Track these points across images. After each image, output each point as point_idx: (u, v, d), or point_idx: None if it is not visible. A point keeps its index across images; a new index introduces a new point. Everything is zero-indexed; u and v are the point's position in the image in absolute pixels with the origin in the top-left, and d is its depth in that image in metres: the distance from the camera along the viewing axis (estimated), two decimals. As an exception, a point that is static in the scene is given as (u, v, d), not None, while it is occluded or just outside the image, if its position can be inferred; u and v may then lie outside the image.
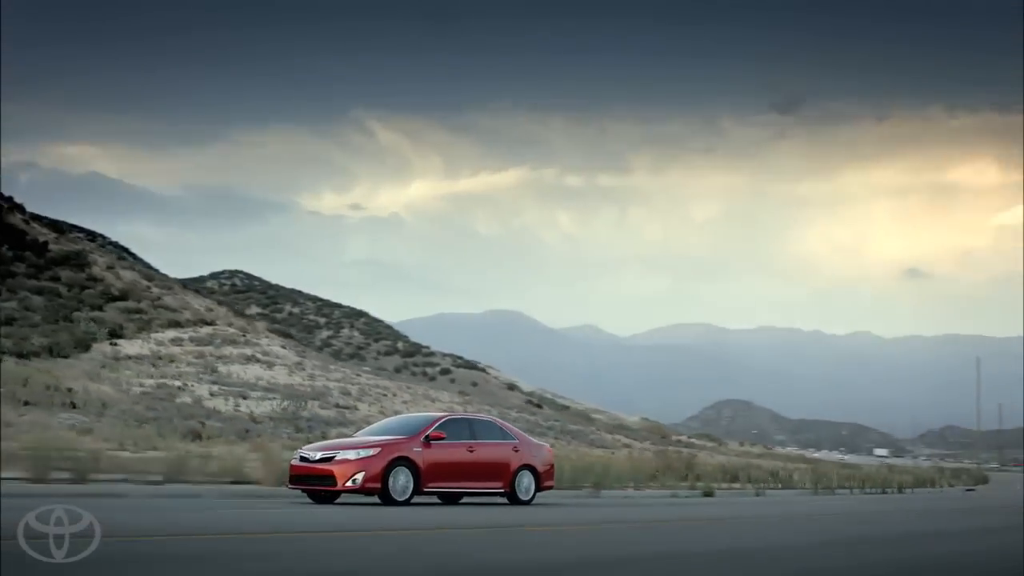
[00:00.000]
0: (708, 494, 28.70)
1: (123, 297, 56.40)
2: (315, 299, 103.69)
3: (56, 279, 54.82)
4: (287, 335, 72.97)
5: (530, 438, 19.60)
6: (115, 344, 48.40)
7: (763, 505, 24.69)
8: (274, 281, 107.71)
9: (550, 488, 18.87)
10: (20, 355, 40.89)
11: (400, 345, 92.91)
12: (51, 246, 58.77)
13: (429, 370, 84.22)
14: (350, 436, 20.89)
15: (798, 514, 20.44)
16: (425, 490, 16.22)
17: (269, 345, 58.18)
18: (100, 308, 53.25)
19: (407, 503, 15.78)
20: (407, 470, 15.92)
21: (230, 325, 60.54)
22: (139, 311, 55.17)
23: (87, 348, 46.32)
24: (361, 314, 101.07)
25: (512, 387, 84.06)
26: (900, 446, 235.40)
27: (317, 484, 15.96)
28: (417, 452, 16.17)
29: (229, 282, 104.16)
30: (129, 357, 46.66)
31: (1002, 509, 25.05)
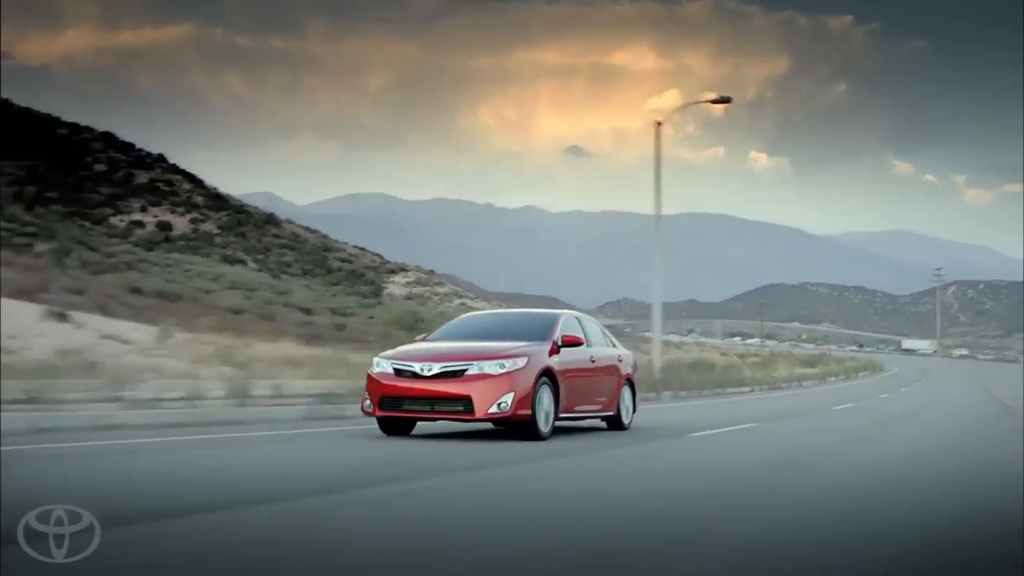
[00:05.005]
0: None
1: None
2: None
3: None
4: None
5: (619, 343, 15.08)
6: None
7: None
8: None
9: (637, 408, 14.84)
10: None
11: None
12: None
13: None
14: (422, 342, 12.95)
15: None
16: (561, 416, 11.93)
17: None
18: None
19: (548, 437, 11.48)
20: (549, 389, 11.55)
21: None
22: None
23: None
24: None
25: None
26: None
27: (431, 410, 11.23)
28: (556, 363, 11.74)
29: None
30: None
31: None
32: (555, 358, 11.72)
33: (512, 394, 10.94)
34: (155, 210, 77.28)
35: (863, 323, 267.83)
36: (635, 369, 14.55)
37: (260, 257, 75.62)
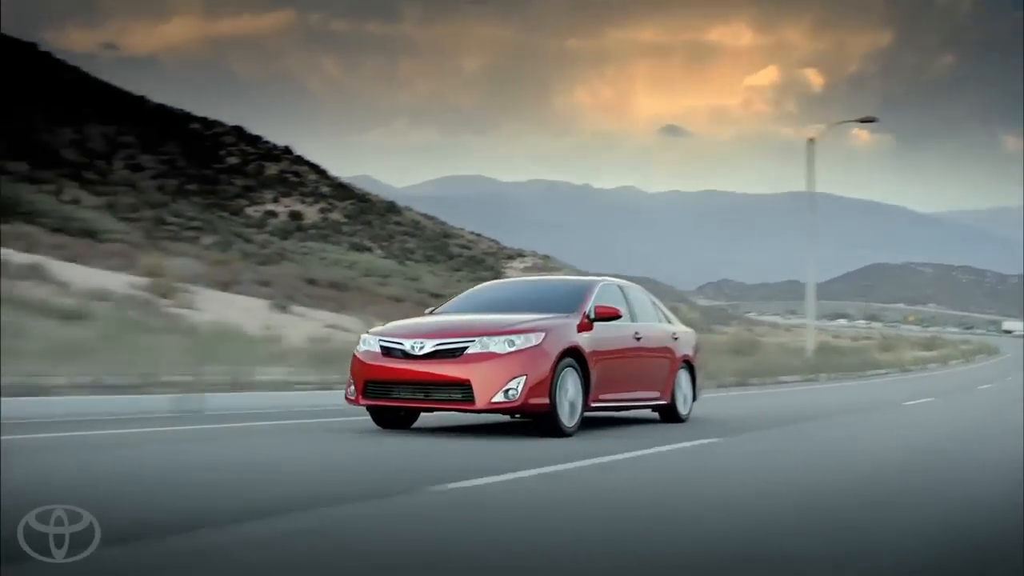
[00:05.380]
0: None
1: None
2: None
3: None
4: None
5: (675, 318, 12.45)
6: None
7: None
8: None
9: (698, 396, 12.50)
10: None
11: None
12: None
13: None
14: (428, 315, 10.49)
15: None
16: (593, 406, 9.60)
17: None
18: None
19: (574, 433, 9.17)
20: (575, 372, 9.24)
21: None
22: None
23: None
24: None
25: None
26: (686, 298, 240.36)
27: (424, 399, 8.89)
28: (586, 341, 9.52)
29: None
30: None
31: None
32: (585, 335, 9.40)
33: (523, 378, 8.58)
34: (286, 200, 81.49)
35: (970, 304, 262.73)
36: (696, 350, 12.11)
37: (384, 244, 79.24)
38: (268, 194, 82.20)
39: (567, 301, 9.89)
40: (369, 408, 9.25)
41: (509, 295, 10.81)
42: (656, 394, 10.98)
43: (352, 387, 9.14)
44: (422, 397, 8.78)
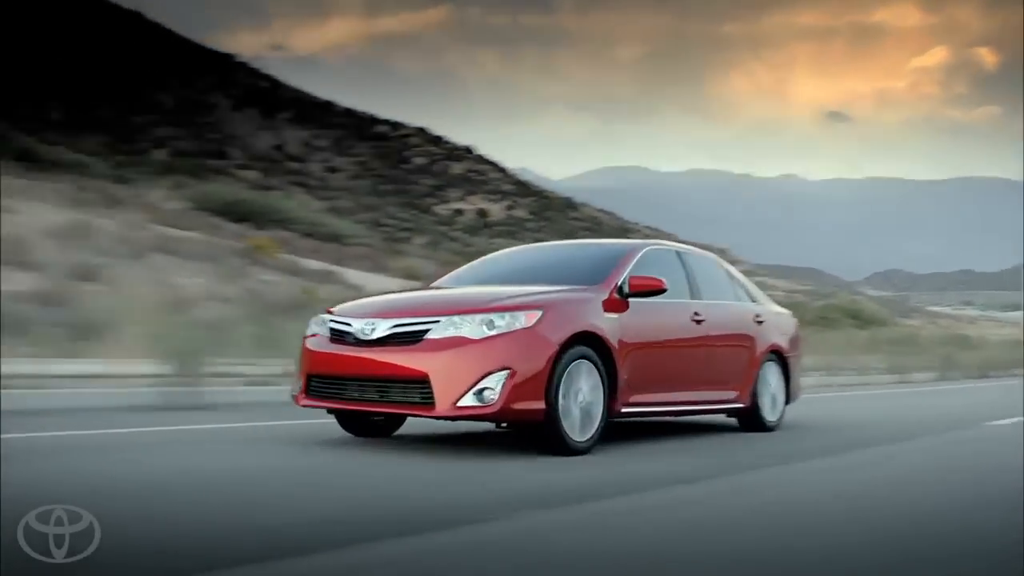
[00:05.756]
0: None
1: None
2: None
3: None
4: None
5: (762, 295, 9.51)
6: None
7: None
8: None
9: (797, 396, 9.60)
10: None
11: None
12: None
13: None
14: (414, 291, 8.16)
15: None
16: (623, 411, 6.88)
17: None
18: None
19: (588, 449, 6.47)
20: (593, 366, 6.56)
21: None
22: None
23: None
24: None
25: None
26: (855, 289, 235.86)
27: (379, 400, 6.35)
28: (609, 323, 6.79)
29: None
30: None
31: None
32: (613, 316, 6.86)
33: (503, 373, 6.10)
34: (471, 198, 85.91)
35: None
36: (793, 338, 9.37)
37: (567, 239, 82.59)
38: (454, 193, 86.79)
39: (593, 271, 7.23)
40: (330, 411, 6.81)
41: (528, 263, 8.08)
42: (729, 395, 8.28)
43: (298, 383, 6.77)
44: (377, 398, 6.30)
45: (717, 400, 8.26)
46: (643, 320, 7.16)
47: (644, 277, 7.17)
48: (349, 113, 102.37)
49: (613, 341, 6.75)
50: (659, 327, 7.43)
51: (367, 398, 6.42)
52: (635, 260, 7.46)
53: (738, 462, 6.57)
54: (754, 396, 8.55)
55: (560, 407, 6.29)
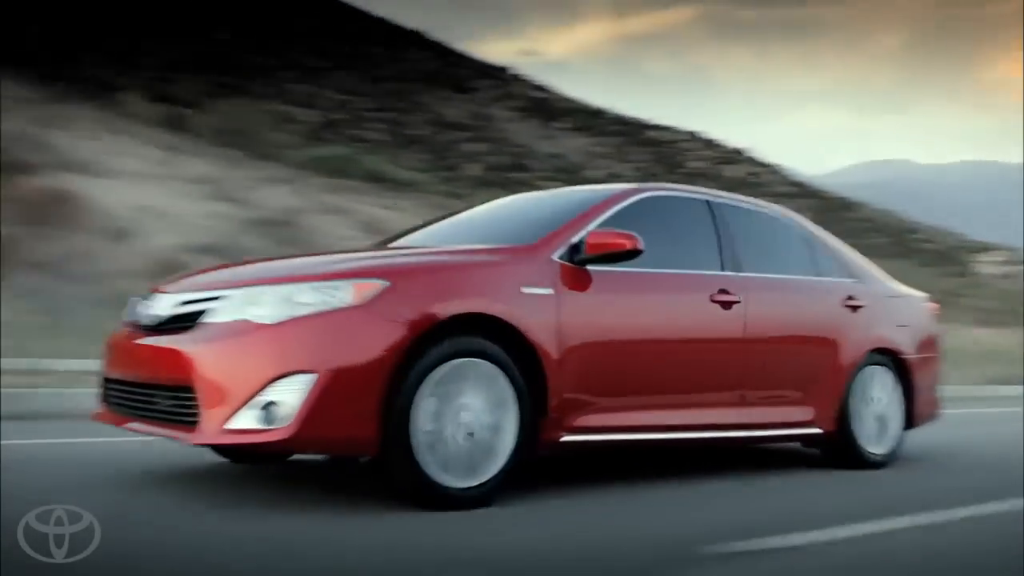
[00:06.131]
0: None
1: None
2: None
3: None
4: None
5: (872, 267, 6.85)
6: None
7: None
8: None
9: (930, 417, 6.81)
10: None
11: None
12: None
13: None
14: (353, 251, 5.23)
15: None
16: (562, 439, 4.53)
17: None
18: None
19: (479, 495, 4.19)
20: (500, 371, 4.28)
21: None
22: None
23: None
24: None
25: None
26: None
27: (144, 414, 4.27)
28: (535, 304, 4.43)
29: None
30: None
31: None
32: (543, 291, 4.49)
33: (304, 378, 3.83)
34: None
35: None
36: (919, 334, 6.67)
37: (849, 242, 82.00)
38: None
39: (536, 226, 4.91)
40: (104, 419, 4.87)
41: (488, 217, 5.77)
42: (792, 415, 5.76)
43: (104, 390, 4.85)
44: (144, 413, 4.30)
45: (766, 423, 5.59)
46: (613, 301, 4.80)
47: (613, 234, 4.73)
48: (621, 120, 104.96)
49: (539, 332, 4.41)
50: (645, 311, 4.98)
51: (133, 411, 4.38)
52: (614, 211, 5.06)
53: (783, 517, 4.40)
54: (843, 418, 5.98)
55: (419, 436, 3.99)
